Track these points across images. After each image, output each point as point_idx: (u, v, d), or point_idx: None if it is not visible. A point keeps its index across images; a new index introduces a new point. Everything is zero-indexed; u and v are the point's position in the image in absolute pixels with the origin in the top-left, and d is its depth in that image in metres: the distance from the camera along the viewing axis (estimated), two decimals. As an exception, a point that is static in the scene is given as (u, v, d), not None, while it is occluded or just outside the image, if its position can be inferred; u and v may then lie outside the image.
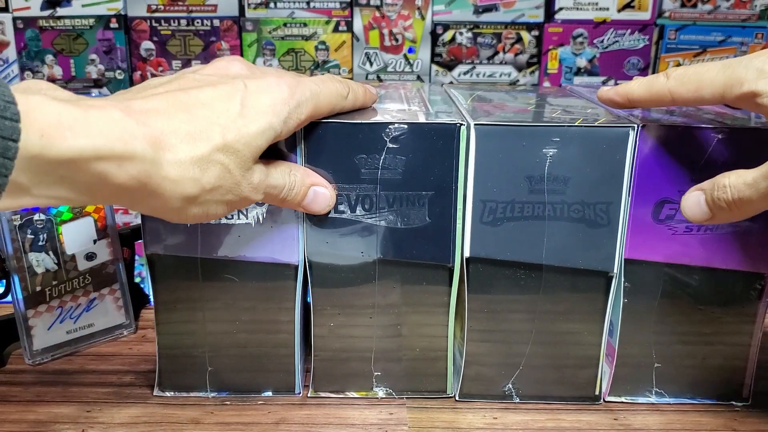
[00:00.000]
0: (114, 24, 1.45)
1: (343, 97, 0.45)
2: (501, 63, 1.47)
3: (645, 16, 1.47)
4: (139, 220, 0.47)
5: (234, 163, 0.38)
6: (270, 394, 0.51)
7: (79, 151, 0.31)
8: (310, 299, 0.49)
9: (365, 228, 0.46)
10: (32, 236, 0.53)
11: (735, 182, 0.40)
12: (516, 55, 1.46)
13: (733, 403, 0.51)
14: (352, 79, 1.45)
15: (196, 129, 0.36)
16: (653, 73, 1.50)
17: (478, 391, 0.51)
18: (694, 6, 1.46)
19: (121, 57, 1.48)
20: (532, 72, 1.48)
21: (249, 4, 1.39)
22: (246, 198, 0.40)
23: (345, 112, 0.46)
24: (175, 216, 0.38)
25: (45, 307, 0.55)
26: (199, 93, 0.37)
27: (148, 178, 0.34)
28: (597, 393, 0.50)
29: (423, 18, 1.44)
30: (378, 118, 0.45)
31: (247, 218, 0.46)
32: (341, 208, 0.46)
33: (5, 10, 1.40)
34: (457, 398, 0.51)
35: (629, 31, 1.47)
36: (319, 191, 0.45)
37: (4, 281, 0.54)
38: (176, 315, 0.49)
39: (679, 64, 1.49)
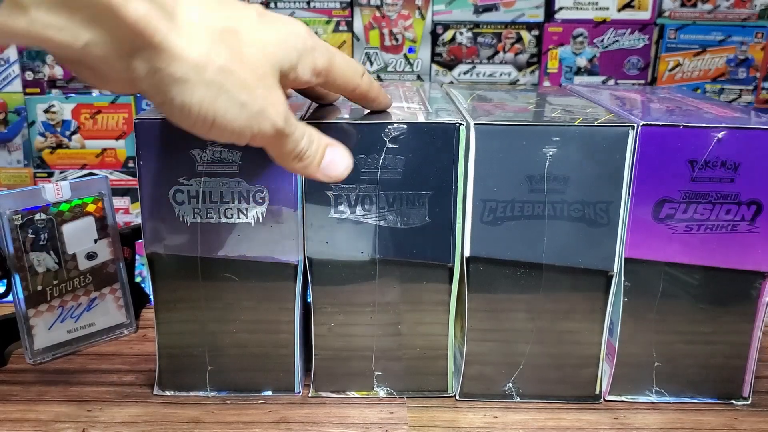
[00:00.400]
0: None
1: (359, 74, 0.43)
2: (501, 62, 1.47)
3: (645, 15, 1.47)
4: (140, 220, 0.48)
5: (247, 56, 0.35)
6: (270, 393, 0.51)
7: None
8: (309, 299, 0.49)
9: (365, 228, 0.47)
10: (33, 236, 0.53)
11: None
12: (516, 54, 1.46)
13: (733, 401, 0.51)
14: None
15: (217, 6, 0.35)
16: (653, 72, 1.50)
17: (479, 391, 0.51)
18: (694, 5, 1.46)
19: (121, 57, 1.47)
20: (532, 71, 1.48)
21: (249, 4, 1.39)
22: (262, 112, 0.36)
23: (359, 100, 0.45)
24: (178, 94, 0.34)
25: (46, 306, 0.55)
26: None
27: (157, 23, 0.31)
28: (597, 392, 0.50)
29: (423, 18, 1.44)
30: (377, 118, 0.45)
31: (247, 217, 0.47)
32: (341, 208, 0.46)
33: (6, 10, 1.40)
34: (457, 397, 0.51)
35: (629, 30, 1.47)
36: (337, 151, 0.41)
37: (5, 281, 0.54)
38: (176, 314, 0.49)
39: (679, 64, 1.49)
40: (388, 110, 0.48)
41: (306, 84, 0.40)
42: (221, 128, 0.35)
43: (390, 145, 0.45)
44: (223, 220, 0.47)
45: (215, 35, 0.34)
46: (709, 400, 0.51)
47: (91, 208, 0.56)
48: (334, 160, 0.41)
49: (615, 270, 0.47)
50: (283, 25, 0.38)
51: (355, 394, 0.51)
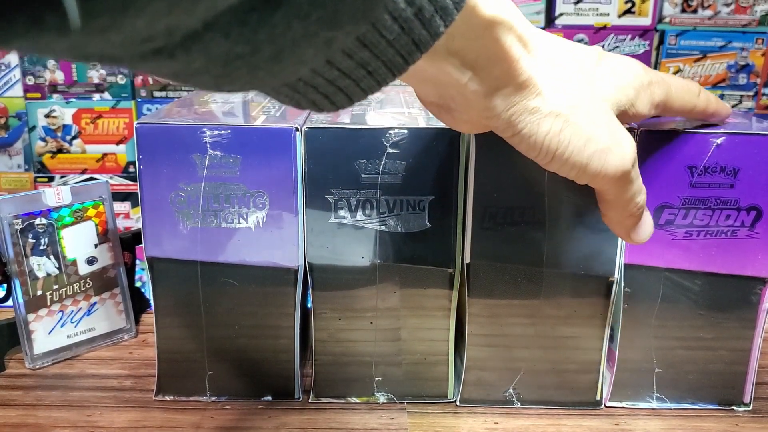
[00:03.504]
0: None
1: (695, 95, 0.43)
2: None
3: (645, 21, 1.47)
4: (139, 225, 0.48)
5: (590, 94, 0.36)
6: (270, 398, 0.51)
7: (499, 17, 0.31)
8: (309, 304, 0.49)
9: (366, 233, 0.47)
10: (33, 240, 0.53)
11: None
12: (517, 60, 1.46)
13: (734, 408, 0.51)
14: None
15: (562, 44, 0.36)
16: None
17: (479, 396, 0.50)
18: (695, 11, 1.47)
19: (122, 62, 1.48)
20: (533, 77, 1.48)
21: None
22: (610, 150, 0.36)
23: (698, 118, 0.45)
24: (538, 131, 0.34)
25: (46, 311, 0.55)
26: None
27: (525, 62, 0.33)
28: (598, 398, 0.50)
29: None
30: (378, 123, 0.45)
31: (247, 222, 0.47)
32: (342, 213, 0.46)
33: (7, 15, 1.41)
34: (457, 403, 0.51)
35: (630, 36, 1.47)
36: (648, 215, 0.41)
37: (5, 285, 0.54)
38: (176, 319, 0.49)
39: (679, 70, 1.50)
40: (389, 115, 0.48)
41: (645, 117, 0.41)
42: (563, 159, 0.35)
43: (391, 150, 0.45)
44: (224, 225, 0.47)
45: (563, 71, 0.35)
46: (710, 407, 0.51)
47: (91, 212, 0.56)
48: (645, 224, 0.41)
49: (615, 276, 0.47)
50: (619, 64, 0.38)
51: (356, 400, 0.51)
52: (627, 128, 0.45)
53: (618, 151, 0.36)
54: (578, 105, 0.35)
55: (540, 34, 0.35)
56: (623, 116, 0.39)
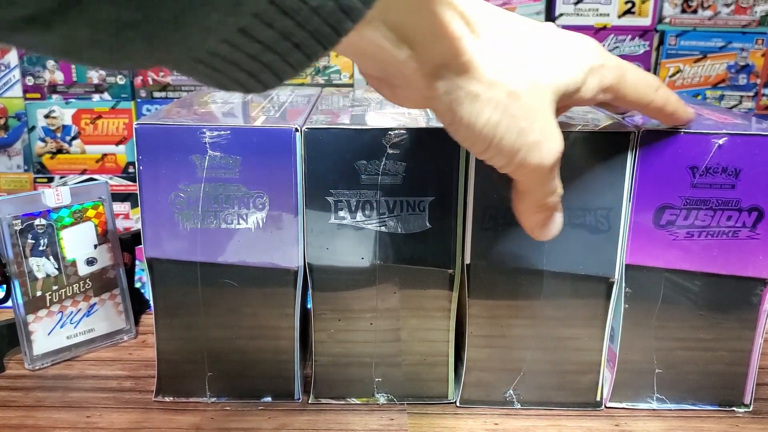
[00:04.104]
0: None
1: (653, 88, 0.41)
2: (501, 68, 1.47)
3: (645, 22, 1.47)
4: (139, 226, 0.47)
5: (534, 80, 0.35)
6: (269, 399, 0.51)
7: None
8: (309, 305, 0.49)
9: (366, 233, 0.46)
10: (33, 241, 0.53)
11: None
12: (516, 60, 1.46)
13: (735, 409, 0.51)
14: (352, 85, 1.45)
15: (509, 22, 0.35)
16: (654, 78, 1.50)
17: (479, 397, 0.50)
18: (695, 12, 1.47)
19: (122, 62, 1.47)
20: (533, 77, 1.48)
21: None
22: (538, 145, 0.35)
23: (655, 116, 0.43)
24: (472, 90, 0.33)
25: (45, 312, 0.55)
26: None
27: (468, 42, 0.32)
28: (598, 399, 0.50)
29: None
30: (378, 124, 0.45)
31: (247, 223, 0.46)
32: (341, 213, 0.46)
33: (7, 15, 1.40)
34: (458, 404, 0.51)
35: (630, 36, 1.47)
36: (559, 216, 0.41)
37: (5, 286, 0.54)
38: (176, 320, 0.49)
39: (679, 70, 1.49)
40: (389, 115, 0.48)
41: (591, 101, 0.39)
42: (496, 150, 0.35)
43: (390, 151, 0.45)
44: (223, 225, 0.46)
45: (508, 53, 0.34)
46: (710, 407, 0.51)
47: (91, 213, 0.56)
48: (553, 224, 0.41)
49: (616, 276, 0.47)
50: (572, 44, 0.37)
51: (355, 401, 0.51)
52: (628, 130, 0.45)
53: (547, 146, 0.36)
54: (518, 93, 0.34)
55: (487, 14, 0.34)
56: (567, 99, 0.37)
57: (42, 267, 0.54)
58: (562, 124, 0.46)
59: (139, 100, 1.52)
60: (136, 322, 0.61)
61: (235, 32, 0.22)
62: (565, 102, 0.38)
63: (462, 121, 0.34)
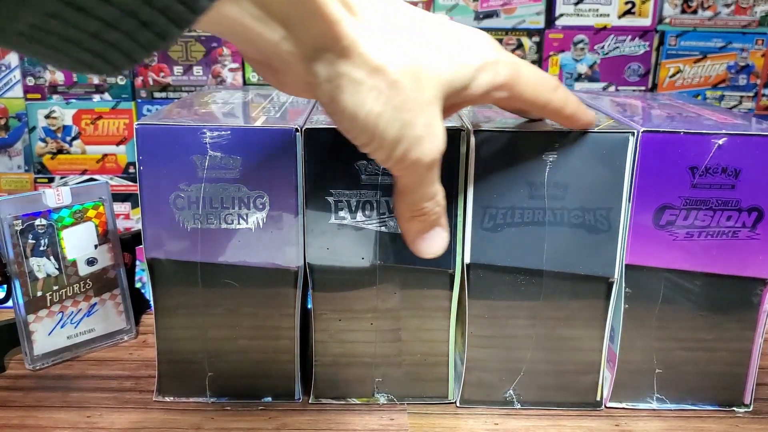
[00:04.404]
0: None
1: (551, 88, 0.40)
2: (502, 69, 1.47)
3: (645, 22, 1.47)
4: (140, 226, 0.48)
5: (420, 73, 0.33)
6: (270, 399, 0.51)
7: None
8: (310, 305, 0.49)
9: (366, 233, 0.47)
10: (33, 241, 0.53)
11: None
12: (517, 61, 1.46)
13: (735, 409, 0.51)
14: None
15: (398, 12, 0.34)
16: (653, 79, 1.50)
17: (479, 397, 0.50)
18: (695, 12, 1.47)
19: (122, 63, 1.48)
20: (533, 78, 1.48)
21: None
22: (420, 141, 0.34)
23: (554, 117, 0.43)
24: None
25: (46, 312, 0.55)
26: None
27: (348, 26, 0.31)
28: (598, 399, 0.50)
29: (424, 24, 1.44)
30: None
31: (247, 223, 0.46)
32: (342, 213, 0.46)
33: (7, 15, 1.41)
34: (458, 404, 0.51)
35: (630, 37, 1.47)
36: (442, 233, 0.40)
37: (5, 286, 0.54)
38: (176, 320, 0.49)
39: (679, 70, 1.50)
40: None
41: (483, 99, 0.38)
42: (379, 144, 0.34)
43: (391, 151, 0.45)
44: (224, 225, 0.46)
45: (393, 41, 0.33)
46: (711, 407, 0.51)
47: (91, 213, 0.56)
48: (435, 238, 0.40)
49: (616, 276, 0.47)
50: (464, 38, 0.36)
51: (356, 401, 0.51)
52: (626, 126, 0.45)
53: (429, 142, 0.35)
54: (402, 83, 0.33)
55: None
56: (457, 95, 0.36)
57: (42, 267, 0.54)
58: (562, 125, 0.46)
59: (139, 101, 1.52)
60: (137, 322, 0.61)
61: (64, 7, 0.21)
62: (455, 99, 0.36)
63: (345, 111, 0.33)
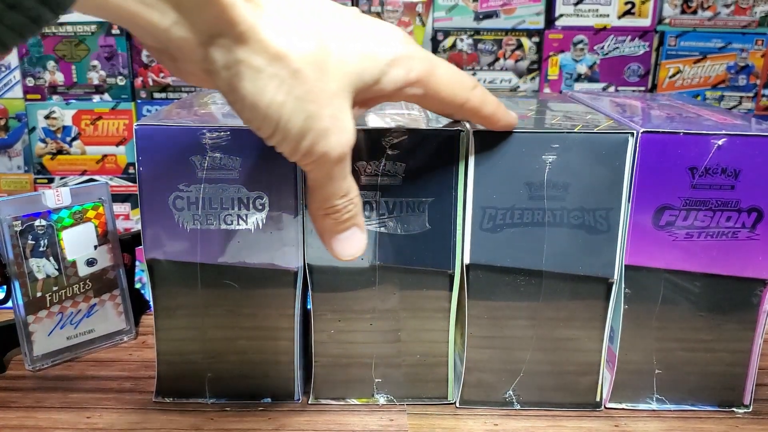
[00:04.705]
0: (115, 30, 1.46)
1: (468, 87, 0.39)
2: (501, 69, 1.47)
3: (645, 22, 1.47)
4: (139, 226, 0.47)
5: (326, 65, 0.32)
6: (269, 400, 0.51)
7: None
8: (309, 306, 0.49)
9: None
10: (33, 242, 0.53)
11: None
12: (516, 61, 1.46)
13: (734, 409, 0.51)
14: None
15: (304, 3, 0.33)
16: (653, 79, 1.50)
17: (479, 398, 0.50)
18: (694, 13, 1.47)
19: (122, 63, 1.48)
20: (533, 78, 1.48)
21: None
22: (326, 133, 0.33)
23: (472, 117, 0.42)
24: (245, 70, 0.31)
25: (45, 312, 0.55)
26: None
27: (244, 10, 0.30)
28: (598, 400, 0.50)
29: (423, 24, 1.44)
30: (378, 124, 0.45)
31: (246, 224, 0.46)
32: (341, 214, 0.46)
33: (7, 16, 1.41)
34: (457, 405, 0.51)
35: (629, 37, 1.47)
36: (359, 234, 0.40)
37: (5, 287, 0.54)
38: (176, 321, 0.49)
39: (679, 71, 1.49)
40: (389, 116, 0.48)
41: (398, 96, 0.38)
42: (283, 135, 0.33)
43: (390, 152, 0.45)
44: (223, 226, 0.46)
45: (297, 29, 0.32)
46: (710, 408, 0.51)
47: (91, 214, 0.56)
48: (352, 239, 0.39)
49: (615, 277, 0.47)
50: (374, 31, 0.35)
51: (355, 401, 0.51)
52: (625, 126, 0.45)
53: (337, 135, 0.34)
54: (305, 73, 0.32)
55: None
56: (368, 90, 0.35)
57: (42, 268, 0.54)
58: (562, 126, 0.46)
59: (139, 101, 1.52)
60: (136, 323, 0.61)
61: None
62: (366, 94, 0.36)
63: (245, 99, 0.32)
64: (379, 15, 1.42)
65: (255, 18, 0.30)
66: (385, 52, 0.35)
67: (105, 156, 1.54)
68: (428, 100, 0.39)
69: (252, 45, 0.31)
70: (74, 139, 1.53)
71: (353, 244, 0.40)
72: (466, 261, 0.47)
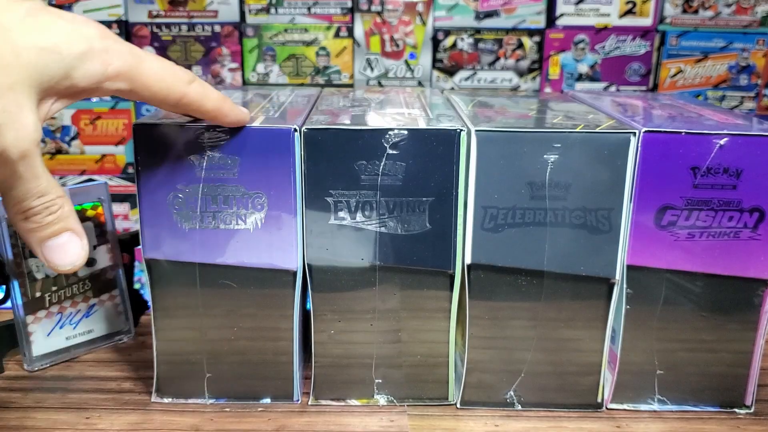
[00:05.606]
0: (115, 30, 1.45)
1: (184, 81, 0.38)
2: (502, 69, 1.47)
3: (646, 22, 1.47)
4: (138, 226, 0.47)
5: None
6: (268, 401, 0.51)
7: None
8: (309, 306, 0.49)
9: (365, 234, 0.46)
10: (31, 242, 0.53)
11: None
12: (517, 60, 1.46)
13: (736, 410, 0.50)
14: (352, 85, 1.45)
15: None
16: (654, 79, 1.50)
17: (480, 399, 0.50)
18: (696, 12, 1.46)
19: (122, 62, 1.47)
20: (534, 78, 1.48)
21: (250, 10, 1.39)
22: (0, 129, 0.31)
23: (194, 113, 0.42)
24: None
25: (44, 312, 0.55)
26: None
27: None
28: (599, 400, 0.50)
29: (424, 24, 1.44)
30: (378, 124, 0.45)
31: (245, 224, 0.46)
32: (341, 214, 0.46)
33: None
34: (458, 405, 0.50)
35: (631, 37, 1.47)
36: (74, 240, 0.37)
37: (4, 287, 0.54)
38: (175, 321, 0.49)
39: (680, 70, 1.49)
40: (389, 116, 0.48)
41: (99, 91, 0.36)
42: None
43: (390, 151, 0.45)
44: (222, 226, 0.46)
45: None
46: (712, 409, 0.50)
47: (90, 214, 0.56)
48: (66, 247, 0.36)
49: (617, 277, 0.47)
50: (60, 26, 0.34)
51: (355, 402, 0.51)
52: (627, 126, 0.45)
53: (13, 132, 0.32)
54: None
55: None
56: (58, 85, 0.34)
57: (41, 268, 0.54)
58: (563, 125, 0.46)
59: (138, 101, 1.52)
60: (135, 323, 0.61)
61: None
62: (59, 88, 0.34)
63: None
64: (379, 14, 1.42)
65: None
66: (72, 46, 0.34)
67: (104, 156, 1.54)
68: (139, 94, 0.38)
69: None
70: (73, 138, 1.53)
71: (69, 252, 0.37)
72: (468, 261, 0.47)
